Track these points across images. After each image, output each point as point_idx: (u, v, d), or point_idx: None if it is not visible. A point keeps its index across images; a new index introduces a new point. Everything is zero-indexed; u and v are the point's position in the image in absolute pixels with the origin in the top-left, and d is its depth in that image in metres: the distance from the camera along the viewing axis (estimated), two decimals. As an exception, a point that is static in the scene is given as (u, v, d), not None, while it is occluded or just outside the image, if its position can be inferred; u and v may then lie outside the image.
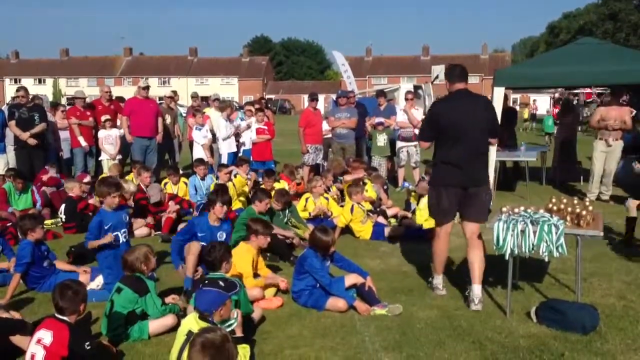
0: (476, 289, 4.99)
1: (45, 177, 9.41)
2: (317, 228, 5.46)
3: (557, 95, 30.35)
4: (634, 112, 12.39)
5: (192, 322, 3.71)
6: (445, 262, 5.45)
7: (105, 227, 5.65)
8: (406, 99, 11.48)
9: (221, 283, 4.17)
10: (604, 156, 9.72)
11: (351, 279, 5.23)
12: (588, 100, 32.17)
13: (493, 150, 8.85)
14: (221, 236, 5.88)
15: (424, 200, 8.01)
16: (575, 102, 25.35)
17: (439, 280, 5.48)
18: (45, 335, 3.63)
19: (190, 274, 5.52)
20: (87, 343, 3.70)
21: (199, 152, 11.20)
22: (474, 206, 5.08)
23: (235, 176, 9.31)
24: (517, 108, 26.71)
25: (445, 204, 5.14)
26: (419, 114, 11.44)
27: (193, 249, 5.59)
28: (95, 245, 5.60)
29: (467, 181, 5.04)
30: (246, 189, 9.34)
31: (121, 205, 6.04)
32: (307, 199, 8.52)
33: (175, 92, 13.33)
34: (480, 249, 5.09)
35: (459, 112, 5.01)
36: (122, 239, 5.73)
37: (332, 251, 5.37)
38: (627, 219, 6.96)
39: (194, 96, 14.19)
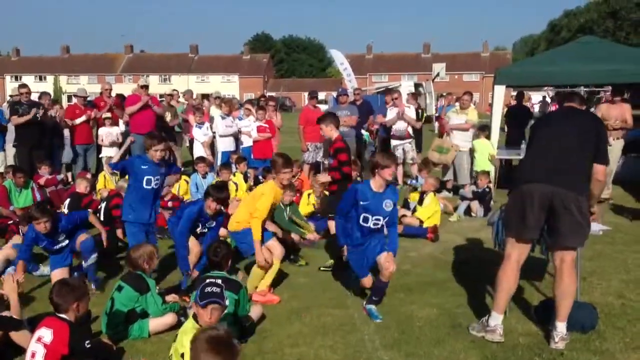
0: (560, 327, 4.23)
1: (42, 181, 9.38)
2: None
3: (551, 93, 30.21)
4: None
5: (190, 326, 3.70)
6: (510, 298, 4.43)
7: (143, 167, 5.64)
8: (394, 99, 11.50)
9: (221, 282, 4.17)
10: (604, 155, 9.67)
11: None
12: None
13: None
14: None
15: (427, 199, 8.01)
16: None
17: (497, 320, 4.32)
18: (45, 334, 3.64)
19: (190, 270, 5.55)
20: (87, 341, 3.70)
21: (199, 150, 11.20)
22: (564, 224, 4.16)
23: (234, 175, 9.34)
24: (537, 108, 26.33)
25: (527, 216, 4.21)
26: (411, 112, 11.40)
27: (195, 249, 5.65)
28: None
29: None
30: (249, 183, 9.39)
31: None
32: (309, 195, 8.56)
33: (187, 92, 13.44)
34: (571, 279, 4.22)
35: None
36: (152, 185, 5.67)
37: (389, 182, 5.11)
38: None
39: (187, 93, 14.24)
